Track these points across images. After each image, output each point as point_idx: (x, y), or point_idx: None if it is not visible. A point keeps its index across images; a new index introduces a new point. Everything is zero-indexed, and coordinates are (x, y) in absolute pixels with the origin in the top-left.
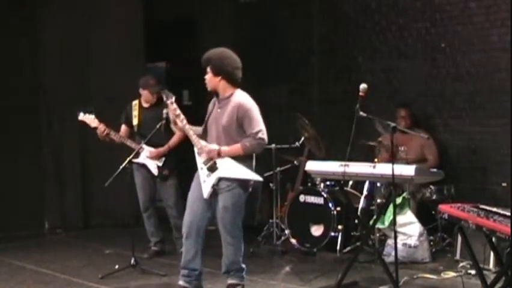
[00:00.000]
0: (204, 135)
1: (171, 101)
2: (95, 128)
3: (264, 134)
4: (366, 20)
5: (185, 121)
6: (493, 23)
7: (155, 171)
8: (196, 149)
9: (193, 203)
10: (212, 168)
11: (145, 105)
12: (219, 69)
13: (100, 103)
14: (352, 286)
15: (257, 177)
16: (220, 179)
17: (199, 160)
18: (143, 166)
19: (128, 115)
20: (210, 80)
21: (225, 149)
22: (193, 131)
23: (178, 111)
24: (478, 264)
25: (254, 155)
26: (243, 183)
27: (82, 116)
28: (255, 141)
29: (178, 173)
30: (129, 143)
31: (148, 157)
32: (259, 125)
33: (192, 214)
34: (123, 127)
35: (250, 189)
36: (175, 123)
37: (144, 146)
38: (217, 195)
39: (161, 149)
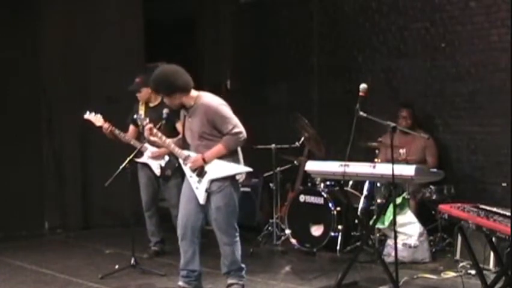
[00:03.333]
0: (185, 146)
1: (146, 122)
2: (100, 127)
3: (239, 128)
4: (366, 20)
5: (164, 137)
6: (493, 23)
7: (157, 171)
8: (181, 160)
9: (185, 204)
10: (201, 174)
11: (150, 104)
12: (170, 90)
13: (100, 103)
14: (352, 286)
15: (246, 169)
16: (211, 181)
17: (187, 169)
18: (147, 166)
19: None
20: (170, 101)
21: (208, 154)
22: (174, 144)
23: (154, 131)
24: (478, 264)
25: (239, 149)
26: (233, 182)
27: (87, 115)
28: (234, 137)
29: (181, 173)
30: (133, 142)
31: (150, 157)
32: (232, 121)
33: (186, 215)
34: (131, 127)
35: (241, 188)
36: (154, 142)
37: (147, 145)
38: (209, 197)
39: (163, 149)
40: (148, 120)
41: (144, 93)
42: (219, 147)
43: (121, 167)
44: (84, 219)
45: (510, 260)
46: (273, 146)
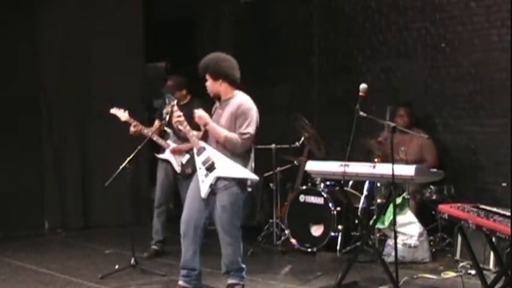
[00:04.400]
0: (204, 138)
1: (175, 108)
2: (125, 122)
3: (249, 139)
4: (366, 20)
5: (188, 126)
6: (493, 23)
7: (178, 168)
8: (195, 150)
9: (191, 202)
10: (210, 168)
11: (180, 103)
12: (217, 73)
13: (100, 103)
14: (352, 286)
15: (254, 177)
16: (218, 179)
17: (198, 160)
18: (167, 162)
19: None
20: (211, 85)
21: (212, 124)
22: (194, 134)
23: (182, 118)
24: (478, 264)
25: (253, 156)
26: (240, 182)
27: (114, 110)
28: (239, 137)
29: None
30: (155, 138)
31: (171, 152)
32: (250, 125)
33: (190, 213)
34: (157, 122)
35: (248, 189)
36: (179, 130)
37: (170, 142)
38: (214, 195)
39: (183, 146)
40: (175, 101)
41: (177, 95)
42: (222, 131)
43: (121, 167)
44: (84, 219)
45: (510, 260)
46: (273, 146)
